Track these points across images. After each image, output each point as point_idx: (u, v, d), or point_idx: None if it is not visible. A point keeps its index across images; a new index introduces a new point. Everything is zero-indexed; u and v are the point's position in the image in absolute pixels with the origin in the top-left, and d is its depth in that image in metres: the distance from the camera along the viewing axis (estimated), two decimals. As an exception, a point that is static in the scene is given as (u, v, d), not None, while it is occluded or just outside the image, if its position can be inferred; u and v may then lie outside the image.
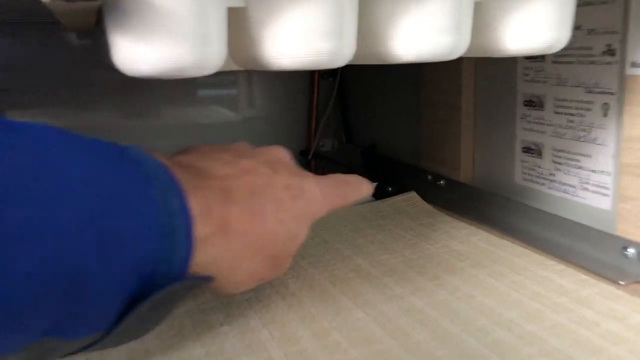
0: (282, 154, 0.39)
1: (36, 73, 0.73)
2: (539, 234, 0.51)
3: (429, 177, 0.67)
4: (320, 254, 0.50)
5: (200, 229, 0.29)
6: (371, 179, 0.69)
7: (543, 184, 0.54)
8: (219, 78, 0.85)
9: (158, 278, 0.27)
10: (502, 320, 0.38)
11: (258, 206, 0.33)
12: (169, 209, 0.27)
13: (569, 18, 0.36)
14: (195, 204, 0.29)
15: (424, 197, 0.64)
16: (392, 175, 0.73)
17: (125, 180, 0.26)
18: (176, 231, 0.27)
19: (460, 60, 0.60)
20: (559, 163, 0.52)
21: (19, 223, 0.21)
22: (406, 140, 0.73)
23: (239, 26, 0.31)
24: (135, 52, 0.29)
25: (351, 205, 0.43)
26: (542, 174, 0.54)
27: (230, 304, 0.41)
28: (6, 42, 0.72)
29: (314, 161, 0.89)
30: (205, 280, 0.30)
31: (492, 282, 0.43)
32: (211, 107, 0.85)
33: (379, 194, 0.67)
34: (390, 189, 0.66)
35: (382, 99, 0.79)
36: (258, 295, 0.42)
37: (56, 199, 0.23)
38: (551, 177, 0.53)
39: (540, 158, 0.54)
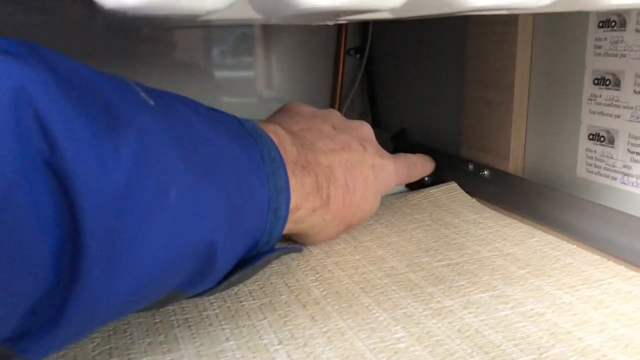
0: (368, 131, 0.44)
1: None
2: (613, 237, 0.42)
3: (470, 166, 0.58)
4: (348, 252, 0.42)
5: (312, 201, 0.35)
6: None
7: (615, 178, 0.45)
8: (237, 59, 0.77)
9: (260, 246, 0.31)
10: (583, 347, 0.29)
11: (351, 182, 0.39)
12: (278, 187, 0.31)
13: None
14: (307, 182, 0.35)
15: (464, 189, 0.56)
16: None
17: (248, 159, 0.29)
18: (280, 208, 0.31)
19: (515, 29, 0.52)
20: (638, 153, 0.43)
21: (163, 201, 0.23)
22: (443, 125, 0.65)
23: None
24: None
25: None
26: (614, 165, 0.45)
27: (239, 311, 0.33)
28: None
29: (337, 146, 0.81)
30: (297, 250, 0.37)
31: (562, 297, 0.35)
32: (228, 88, 0.78)
33: (413, 185, 0.58)
34: (426, 178, 0.58)
35: (416, 78, 0.70)
36: (273, 302, 0.35)
37: (199, 178, 0.25)
38: (626, 170, 0.44)
39: (613, 147, 0.45)
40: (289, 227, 0.35)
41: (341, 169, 0.38)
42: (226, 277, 0.29)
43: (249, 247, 0.30)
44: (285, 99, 0.80)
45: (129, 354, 0.29)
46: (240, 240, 0.28)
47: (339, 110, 0.80)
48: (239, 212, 0.27)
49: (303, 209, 0.35)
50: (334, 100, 0.81)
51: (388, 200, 0.54)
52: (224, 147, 0.27)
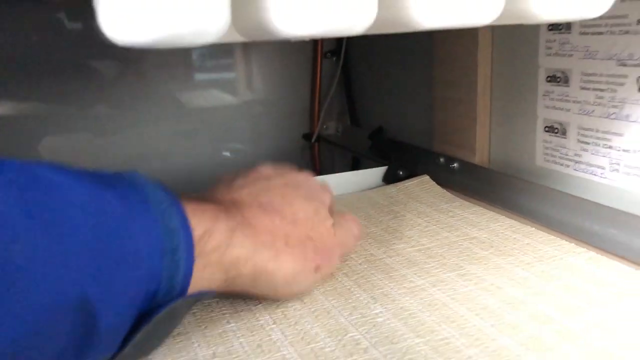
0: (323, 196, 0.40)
1: (34, 59, 0.69)
2: (566, 219, 0.48)
3: (441, 160, 0.63)
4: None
5: (230, 222, 0.32)
6: (379, 162, 0.66)
7: (568, 166, 0.51)
8: (217, 61, 0.81)
9: (162, 295, 0.28)
10: (535, 313, 0.34)
11: (267, 205, 0.36)
12: (170, 227, 0.28)
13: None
14: (206, 217, 0.31)
15: (436, 181, 0.61)
16: (401, 158, 0.69)
17: (123, 203, 0.27)
18: (178, 248, 0.28)
19: (476, 34, 0.56)
20: (586, 143, 0.49)
21: (21, 259, 0.22)
22: (416, 122, 0.70)
23: (245, -12, 0.27)
24: (125, 18, 0.25)
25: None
26: (566, 154, 0.51)
27: (237, 298, 0.38)
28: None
29: (318, 145, 0.86)
30: (207, 295, 0.32)
31: (519, 272, 0.40)
32: (209, 91, 0.82)
33: (388, 179, 0.63)
34: (401, 172, 0.62)
35: (390, 79, 0.75)
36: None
37: (57, 230, 0.23)
38: (577, 158, 0.50)
39: (565, 138, 0.51)
40: (221, 277, 0.32)
41: (249, 198, 0.36)
42: (129, 337, 0.27)
43: (144, 299, 0.27)
44: (266, 101, 0.84)
45: (143, 338, 0.34)
46: (124, 292, 0.26)
47: (319, 111, 0.85)
48: (114, 262, 0.25)
49: (216, 237, 0.31)
50: (314, 101, 0.85)
51: (366, 194, 0.59)
52: (84, 200, 0.25)
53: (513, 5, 0.32)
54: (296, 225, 0.36)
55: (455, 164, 0.61)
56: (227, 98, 0.83)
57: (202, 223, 0.30)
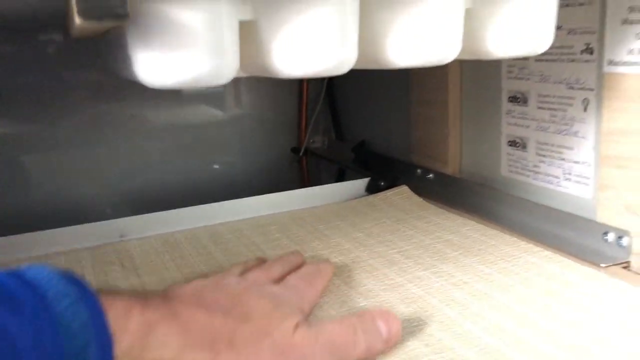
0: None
1: (29, 76, 0.75)
2: (525, 222, 0.54)
3: (419, 171, 0.70)
4: (320, 248, 0.53)
5: (148, 315, 0.27)
6: (362, 174, 0.72)
7: (528, 176, 0.57)
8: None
9: None
10: (496, 304, 0.41)
11: (210, 302, 0.31)
12: (76, 323, 0.25)
13: (552, 23, 0.39)
14: (114, 311, 0.26)
15: (414, 190, 0.67)
16: (382, 170, 0.75)
17: (18, 319, 0.24)
18: (88, 345, 0.25)
19: (446, 59, 0.63)
20: (543, 155, 0.55)
21: None
22: (395, 137, 0.76)
23: (250, 37, 0.33)
24: (157, 66, 0.31)
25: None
26: (526, 166, 0.57)
27: (240, 297, 0.44)
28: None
29: (305, 158, 0.92)
30: None
31: (483, 269, 0.46)
32: (198, 107, 0.86)
33: (371, 189, 0.70)
34: (382, 183, 0.69)
35: (371, 98, 0.81)
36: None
37: None
38: (535, 169, 0.56)
39: (525, 151, 0.57)
40: None
41: (185, 295, 0.32)
42: None
43: None
44: (255, 116, 0.89)
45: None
46: None
47: (306, 126, 0.91)
48: None
49: (126, 337, 0.26)
50: (301, 117, 0.91)
51: (351, 203, 0.65)
52: None
53: (470, 45, 0.39)
54: (247, 322, 0.31)
55: (430, 175, 0.68)
56: (216, 113, 0.88)
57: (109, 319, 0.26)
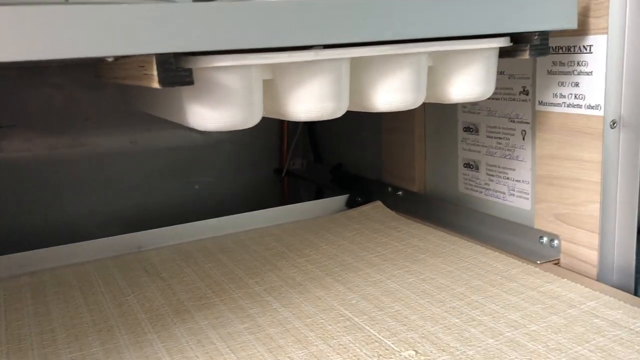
0: None
1: (37, 109, 0.84)
2: (479, 230, 0.67)
3: (389, 189, 0.82)
4: (312, 253, 0.63)
5: None
6: (339, 192, 0.83)
7: (480, 192, 0.70)
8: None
9: None
10: (455, 293, 0.52)
11: None
12: None
13: (493, 77, 0.51)
14: None
15: (386, 205, 0.79)
16: (357, 189, 0.87)
17: None
18: None
19: (412, 95, 0.75)
20: (492, 175, 0.68)
21: None
22: (368, 159, 0.88)
23: (270, 91, 0.45)
24: (205, 115, 0.42)
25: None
26: (479, 184, 0.70)
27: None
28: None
29: (287, 179, 1.03)
30: None
31: (445, 268, 0.58)
32: (181, 132, 0.94)
33: (350, 204, 0.81)
34: (359, 199, 0.80)
35: (347, 125, 0.93)
36: (266, 282, 0.55)
37: None
38: (486, 186, 0.69)
39: (478, 172, 0.70)
40: None
41: None
42: None
43: None
44: (235, 141, 0.99)
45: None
46: None
47: (287, 149, 1.02)
48: None
49: None
50: (282, 141, 1.02)
51: (334, 217, 0.76)
52: None
53: (433, 93, 0.51)
54: None
55: (400, 192, 0.80)
56: (199, 138, 0.96)
57: None
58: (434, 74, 0.50)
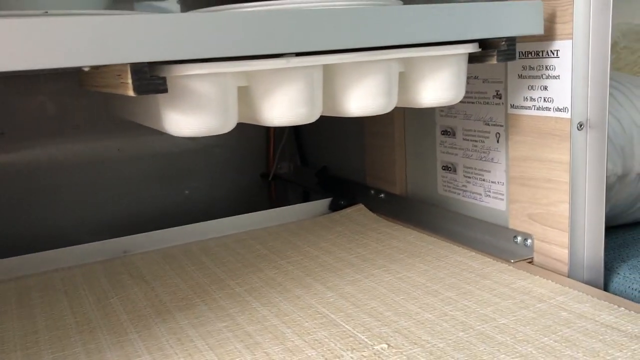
0: None
1: (36, 117, 0.86)
2: (456, 230, 0.68)
3: (372, 191, 0.83)
4: (294, 255, 0.65)
5: None
6: (325, 195, 0.85)
7: (458, 194, 0.71)
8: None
9: None
10: (430, 290, 0.54)
11: None
12: None
13: (463, 82, 0.53)
14: None
15: (369, 208, 0.80)
16: (342, 191, 0.89)
17: None
18: None
19: (392, 99, 0.77)
20: (469, 177, 0.69)
21: None
22: (353, 162, 0.90)
23: (245, 97, 0.46)
24: (180, 122, 0.43)
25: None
26: (457, 186, 0.71)
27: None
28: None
29: (274, 182, 1.04)
30: None
31: (422, 267, 0.59)
32: (167, 138, 0.95)
33: (333, 207, 0.83)
34: (342, 202, 0.82)
35: (331, 129, 0.95)
36: (247, 283, 0.57)
37: None
38: (464, 188, 0.70)
39: (455, 174, 0.71)
40: None
41: None
42: None
43: None
44: (222, 144, 1.01)
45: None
46: None
47: (274, 153, 1.03)
48: None
49: None
50: (269, 145, 1.04)
51: (317, 220, 0.78)
52: None
53: (405, 97, 0.53)
54: None
55: (382, 195, 0.81)
56: (186, 143, 0.97)
57: None
58: (405, 79, 0.52)
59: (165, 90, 0.39)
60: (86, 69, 0.40)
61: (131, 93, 0.39)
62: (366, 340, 0.45)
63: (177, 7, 0.95)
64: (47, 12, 0.43)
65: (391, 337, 0.46)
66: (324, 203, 0.83)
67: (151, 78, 0.38)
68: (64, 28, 0.35)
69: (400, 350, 0.43)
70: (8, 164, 0.85)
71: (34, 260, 0.66)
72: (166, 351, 0.45)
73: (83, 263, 0.67)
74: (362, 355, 0.43)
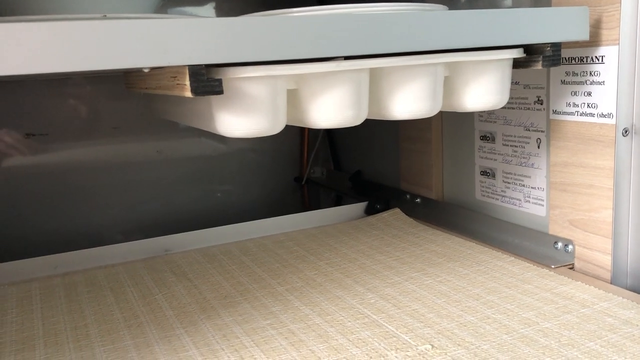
0: None
1: (72, 119, 0.88)
2: (495, 236, 0.68)
3: (408, 196, 0.84)
4: (332, 257, 0.66)
5: None
6: (358, 200, 0.85)
7: (497, 199, 0.71)
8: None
9: None
10: (471, 294, 0.54)
11: None
12: None
13: (507, 87, 0.54)
14: None
15: (405, 212, 0.81)
16: (376, 196, 0.89)
17: None
18: None
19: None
20: (508, 182, 0.69)
21: None
22: (388, 167, 0.90)
23: (294, 100, 0.47)
24: (232, 123, 0.44)
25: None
26: (495, 191, 0.71)
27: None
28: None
29: (307, 187, 1.05)
30: None
31: (462, 271, 0.60)
32: (201, 140, 0.97)
33: (369, 211, 0.83)
34: (378, 206, 0.82)
35: (365, 133, 0.96)
36: (287, 282, 0.58)
37: None
38: (502, 193, 0.70)
39: (494, 179, 0.71)
40: None
41: None
42: None
43: None
44: (257, 149, 1.02)
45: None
46: None
47: (307, 158, 1.04)
48: None
49: None
50: (303, 150, 1.05)
51: (353, 223, 0.79)
52: None
53: (449, 102, 0.53)
54: None
55: (418, 199, 0.82)
56: (220, 147, 0.99)
57: None
58: (450, 83, 0.52)
59: (221, 92, 0.40)
60: (146, 70, 0.41)
61: (188, 94, 0.40)
62: (409, 340, 0.46)
63: (213, 12, 0.97)
64: (105, 15, 0.45)
65: (435, 338, 0.46)
66: (360, 207, 0.84)
67: (208, 80, 0.40)
68: (127, 31, 0.37)
69: (445, 351, 0.44)
70: (52, 164, 0.88)
71: (78, 257, 0.68)
72: (212, 346, 0.46)
73: (125, 261, 0.69)
74: (407, 355, 0.44)
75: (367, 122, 0.50)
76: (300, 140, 1.06)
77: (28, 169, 0.86)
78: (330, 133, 1.05)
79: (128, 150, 0.92)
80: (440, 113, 0.77)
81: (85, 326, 0.52)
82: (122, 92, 0.88)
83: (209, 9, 0.97)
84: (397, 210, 0.81)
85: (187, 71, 0.39)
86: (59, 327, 0.52)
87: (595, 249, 0.58)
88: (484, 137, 0.72)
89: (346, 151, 1.03)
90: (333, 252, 0.68)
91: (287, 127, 0.49)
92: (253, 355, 0.45)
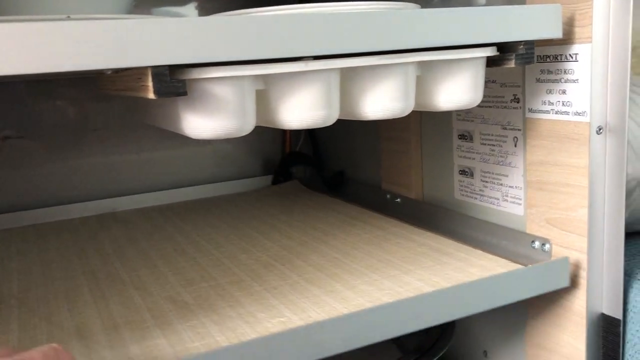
0: None
1: (55, 120, 0.87)
2: (474, 235, 0.68)
3: (388, 196, 0.83)
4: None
5: None
6: (340, 199, 0.85)
7: (475, 198, 0.71)
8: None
9: None
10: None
11: None
12: None
13: (481, 85, 0.53)
14: None
15: (385, 212, 0.80)
16: (357, 195, 0.89)
17: None
18: None
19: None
20: (486, 181, 0.69)
21: None
22: (369, 167, 0.90)
23: (263, 101, 0.47)
24: (199, 124, 0.44)
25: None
26: (474, 190, 0.71)
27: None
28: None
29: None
30: None
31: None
32: (180, 139, 0.96)
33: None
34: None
35: (347, 134, 0.95)
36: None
37: None
38: (481, 192, 0.70)
39: (472, 178, 0.71)
40: None
41: None
42: None
43: None
44: (238, 149, 1.02)
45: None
46: None
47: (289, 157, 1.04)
48: None
49: None
50: (285, 149, 1.04)
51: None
52: None
53: (422, 101, 0.53)
54: None
55: (398, 199, 0.81)
56: (200, 146, 0.98)
57: None
58: (422, 82, 0.52)
59: (184, 93, 0.40)
60: (108, 72, 0.40)
61: (151, 95, 0.39)
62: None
63: (195, 12, 0.97)
64: (69, 16, 0.44)
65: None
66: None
67: (171, 81, 0.39)
68: (86, 32, 0.36)
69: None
70: (24, 166, 0.87)
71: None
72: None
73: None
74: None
75: (349, 122, 0.50)
76: (282, 140, 1.05)
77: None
78: (312, 132, 1.04)
79: (101, 150, 0.92)
80: (419, 113, 0.77)
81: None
82: (101, 94, 0.87)
83: (190, 8, 0.97)
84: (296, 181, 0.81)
85: (149, 72, 0.39)
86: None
87: (571, 247, 0.58)
88: (462, 136, 0.72)
89: (330, 150, 1.03)
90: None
91: (269, 128, 0.48)
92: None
